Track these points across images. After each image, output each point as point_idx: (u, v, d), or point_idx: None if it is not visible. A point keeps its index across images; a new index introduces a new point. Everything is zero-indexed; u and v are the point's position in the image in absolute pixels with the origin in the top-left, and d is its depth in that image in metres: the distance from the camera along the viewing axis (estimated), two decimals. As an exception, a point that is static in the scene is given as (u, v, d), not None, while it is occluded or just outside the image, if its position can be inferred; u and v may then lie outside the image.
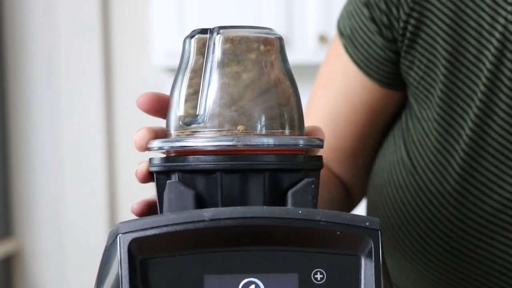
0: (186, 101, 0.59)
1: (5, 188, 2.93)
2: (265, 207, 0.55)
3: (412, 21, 0.82)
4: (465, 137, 0.82)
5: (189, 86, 0.59)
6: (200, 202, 0.57)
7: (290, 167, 0.58)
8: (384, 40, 0.85)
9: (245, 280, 0.54)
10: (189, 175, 0.57)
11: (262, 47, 0.59)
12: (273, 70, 0.59)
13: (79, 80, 2.95)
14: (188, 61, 0.60)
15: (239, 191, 0.57)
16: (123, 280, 0.53)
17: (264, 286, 0.54)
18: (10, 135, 2.96)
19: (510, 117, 0.80)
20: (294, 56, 2.55)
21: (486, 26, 0.80)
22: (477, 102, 0.81)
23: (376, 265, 0.54)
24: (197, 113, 0.59)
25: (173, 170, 0.58)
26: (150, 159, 0.61)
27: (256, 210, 0.54)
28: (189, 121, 0.59)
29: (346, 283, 0.54)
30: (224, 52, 0.59)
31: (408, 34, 0.83)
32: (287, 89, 0.60)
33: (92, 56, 2.95)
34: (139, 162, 0.62)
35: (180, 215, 0.54)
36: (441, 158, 0.83)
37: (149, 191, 0.64)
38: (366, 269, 0.54)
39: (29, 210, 2.96)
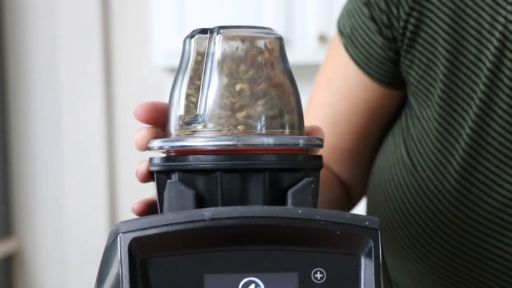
0: (186, 100, 0.59)
1: (6, 187, 2.94)
2: (265, 206, 0.55)
3: (412, 20, 0.82)
4: (465, 136, 0.82)
5: (189, 86, 0.59)
6: (200, 202, 0.57)
7: (290, 166, 0.58)
8: (384, 39, 0.85)
9: (245, 280, 0.54)
10: (189, 175, 0.57)
11: (262, 47, 0.59)
12: (273, 70, 0.59)
13: (80, 80, 2.95)
14: (188, 61, 0.60)
15: (239, 191, 0.57)
16: (124, 280, 0.53)
17: (264, 286, 0.54)
18: (11, 135, 2.96)
19: (510, 116, 0.80)
20: (294, 56, 2.55)
21: (486, 26, 0.80)
22: (477, 101, 0.81)
23: (376, 265, 0.54)
24: (197, 113, 0.59)
25: (173, 170, 0.58)
26: (150, 159, 0.61)
27: (256, 210, 0.54)
28: (189, 121, 0.59)
29: (346, 283, 0.55)
30: (224, 52, 0.59)
31: (408, 34, 0.83)
32: (287, 89, 0.60)
33: (92, 56, 2.95)
34: (139, 161, 0.62)
35: (180, 214, 0.54)
36: (441, 157, 0.83)
37: (150, 190, 0.64)
38: (366, 269, 0.54)
39: (29, 210, 2.96)
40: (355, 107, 0.90)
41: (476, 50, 0.81)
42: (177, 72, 0.61)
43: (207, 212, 0.53)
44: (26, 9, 2.94)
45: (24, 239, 2.97)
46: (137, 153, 0.72)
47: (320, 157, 0.61)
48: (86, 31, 2.94)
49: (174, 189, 0.57)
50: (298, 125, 0.60)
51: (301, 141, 0.59)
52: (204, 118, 0.58)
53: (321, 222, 0.54)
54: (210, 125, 0.58)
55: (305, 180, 0.58)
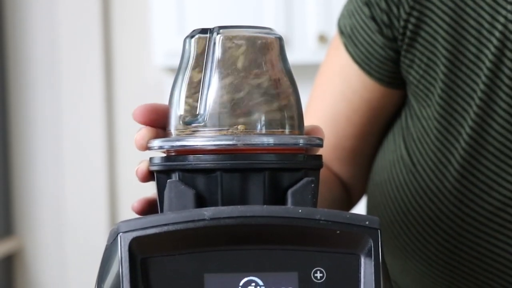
0: (186, 100, 0.59)
1: (6, 187, 2.94)
2: (265, 206, 0.55)
3: (413, 20, 0.82)
4: (465, 136, 0.82)
5: (190, 85, 0.60)
6: (200, 201, 0.57)
7: (290, 166, 0.58)
8: (385, 39, 0.85)
9: (245, 279, 0.54)
10: (189, 174, 0.58)
11: (262, 47, 0.60)
12: (273, 70, 0.60)
13: (80, 80, 2.95)
14: (188, 61, 0.60)
15: (239, 190, 0.57)
16: (124, 279, 0.53)
17: (264, 285, 0.54)
18: (11, 134, 2.96)
19: (510, 115, 0.81)
20: (294, 56, 2.55)
21: (486, 25, 0.80)
22: (477, 101, 0.81)
23: (375, 264, 0.54)
24: (197, 113, 0.59)
25: (174, 169, 0.58)
26: (151, 158, 0.61)
27: (256, 209, 0.54)
28: (190, 121, 0.59)
29: (345, 282, 0.55)
30: (224, 52, 0.59)
31: (408, 33, 0.83)
32: (287, 89, 0.60)
33: (92, 56, 2.95)
34: (140, 161, 0.62)
35: (181, 214, 0.54)
36: (441, 156, 0.83)
37: (150, 190, 0.65)
38: (366, 268, 0.55)
39: (30, 209, 2.96)
40: (356, 106, 0.90)
41: (476, 50, 0.81)
42: (177, 72, 0.61)
43: (207, 212, 0.54)
44: (26, 9, 2.94)
45: (24, 238, 2.97)
46: (137, 153, 0.72)
47: (320, 156, 0.61)
48: (87, 31, 2.94)
49: (174, 189, 0.57)
50: (298, 124, 0.60)
51: (301, 141, 0.59)
52: (204, 118, 0.58)
53: (321, 221, 0.54)
54: (210, 125, 0.58)
55: (305, 179, 0.58)
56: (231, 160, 0.57)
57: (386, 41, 0.85)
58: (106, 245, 0.55)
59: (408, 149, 0.86)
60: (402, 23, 0.83)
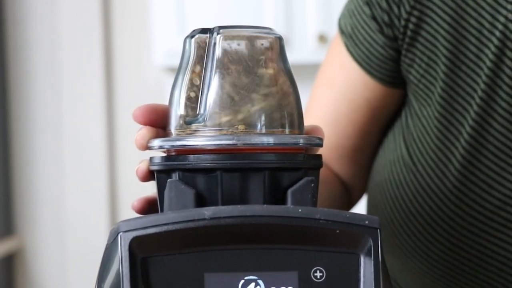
0: (186, 100, 0.59)
1: (7, 186, 2.94)
2: (265, 205, 0.55)
3: (413, 19, 0.83)
4: (465, 135, 0.82)
5: (190, 85, 0.60)
6: (201, 201, 0.57)
7: (290, 165, 0.58)
8: (385, 38, 0.85)
9: (245, 278, 0.54)
10: (189, 174, 0.58)
11: (262, 47, 0.60)
12: (273, 70, 0.60)
13: (80, 79, 2.95)
14: (188, 61, 0.60)
15: (239, 190, 0.57)
16: (124, 278, 0.53)
17: (264, 284, 0.54)
18: (12, 134, 2.96)
19: (510, 115, 0.81)
20: (293, 56, 2.55)
21: (487, 25, 0.80)
22: (477, 100, 0.81)
23: (375, 264, 0.54)
24: (197, 112, 0.59)
25: (174, 169, 0.58)
26: (151, 158, 0.61)
27: (256, 209, 0.54)
28: (190, 120, 0.59)
29: (345, 281, 0.55)
30: (224, 52, 0.59)
31: (409, 33, 0.83)
32: (287, 89, 0.60)
33: (93, 56, 2.95)
34: (140, 161, 0.62)
35: (181, 213, 0.54)
36: (441, 155, 0.83)
37: (150, 189, 0.65)
38: (366, 267, 0.55)
39: (30, 209, 2.96)
40: (356, 106, 0.90)
41: (477, 49, 0.81)
42: (178, 71, 0.61)
43: (207, 211, 0.54)
44: (27, 9, 2.94)
45: (25, 238, 2.97)
46: (137, 153, 0.72)
47: (319, 156, 0.61)
48: (87, 31, 2.94)
49: (175, 188, 0.57)
50: (298, 124, 0.60)
51: (301, 141, 0.59)
52: (204, 117, 0.58)
53: (321, 221, 0.54)
54: (210, 125, 0.58)
55: (305, 179, 0.58)
56: (231, 160, 0.57)
57: (386, 40, 0.85)
58: (106, 245, 0.55)
59: (408, 148, 0.86)
60: (402, 22, 0.83)
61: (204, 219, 0.53)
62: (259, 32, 0.60)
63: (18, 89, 2.95)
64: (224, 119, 0.58)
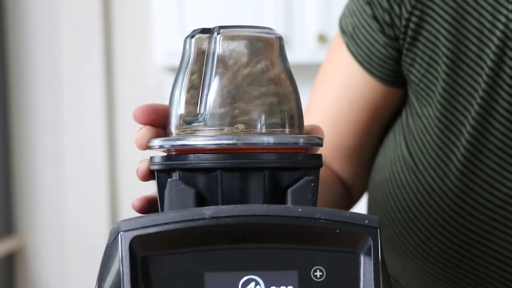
0: (186, 100, 0.59)
1: (7, 186, 2.94)
2: (265, 205, 0.55)
3: (414, 19, 0.83)
4: (466, 134, 0.82)
5: (190, 85, 0.60)
6: (201, 200, 0.57)
7: (290, 165, 0.58)
8: (386, 38, 0.85)
9: (245, 278, 0.54)
10: (189, 173, 0.58)
11: (262, 47, 0.60)
12: (273, 70, 0.60)
13: (81, 79, 2.95)
14: (188, 61, 0.60)
15: (239, 189, 0.57)
16: (124, 278, 0.53)
17: (264, 284, 0.54)
18: (12, 134, 2.96)
19: (511, 114, 0.81)
20: (293, 56, 2.55)
21: (487, 25, 0.80)
22: (478, 100, 0.81)
23: (375, 263, 0.54)
24: (197, 112, 0.59)
25: (174, 169, 0.58)
26: (151, 158, 0.61)
27: (256, 208, 0.54)
28: (190, 120, 0.59)
29: (345, 281, 0.55)
30: (224, 52, 0.59)
31: (410, 32, 0.83)
32: (287, 88, 0.60)
33: (93, 55, 2.95)
34: (140, 160, 0.62)
35: (181, 213, 0.54)
36: (442, 155, 0.84)
37: (150, 189, 0.65)
38: (365, 267, 0.55)
39: (31, 208, 2.97)
40: (357, 105, 0.90)
41: (478, 49, 0.81)
42: (178, 71, 0.61)
43: (208, 211, 0.54)
44: (27, 9, 2.94)
45: (25, 237, 2.97)
46: (137, 152, 0.72)
47: (319, 156, 0.61)
48: (87, 31, 2.94)
49: (175, 188, 0.57)
50: (298, 124, 0.60)
51: (300, 140, 0.59)
52: (205, 117, 0.58)
53: (321, 220, 0.54)
54: (210, 124, 0.58)
55: (305, 178, 0.58)
56: (231, 159, 0.57)
57: (387, 40, 0.85)
58: (107, 244, 0.55)
59: (409, 147, 0.86)
60: (403, 22, 0.83)
61: (204, 218, 0.53)
62: (259, 32, 0.60)
63: (18, 88, 2.95)
64: (224, 118, 0.58)
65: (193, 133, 0.59)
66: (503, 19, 0.80)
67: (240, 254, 0.54)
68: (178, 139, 0.58)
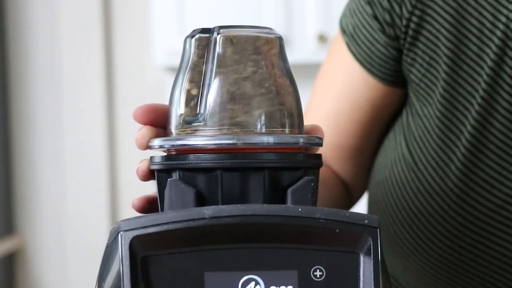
0: (186, 100, 0.59)
1: (8, 185, 2.94)
2: (265, 205, 0.55)
3: (415, 19, 0.83)
4: (466, 134, 0.82)
5: (190, 85, 0.60)
6: (201, 200, 0.57)
7: (290, 165, 0.58)
8: (387, 37, 0.85)
9: (245, 277, 0.54)
10: (189, 173, 0.58)
11: (262, 47, 0.60)
12: (273, 70, 0.60)
13: (81, 79, 2.95)
14: (188, 61, 0.60)
15: (239, 189, 0.57)
16: (124, 277, 0.53)
17: (264, 283, 0.54)
18: (12, 133, 2.96)
19: (511, 114, 0.81)
20: (293, 56, 2.55)
21: (488, 25, 0.81)
22: (479, 100, 0.81)
23: (374, 263, 0.54)
24: (197, 112, 0.59)
25: (174, 168, 0.58)
26: (151, 158, 0.61)
27: (256, 208, 0.54)
28: (190, 120, 0.59)
29: (345, 280, 0.55)
30: (224, 52, 0.59)
31: (410, 32, 0.83)
32: (287, 88, 0.60)
33: (93, 55, 2.95)
34: (140, 160, 0.62)
35: (181, 213, 0.54)
36: (442, 154, 0.84)
37: (150, 189, 0.65)
38: (365, 267, 0.55)
39: (31, 208, 2.97)
40: (357, 105, 0.90)
41: (478, 49, 0.81)
42: (178, 71, 0.61)
43: (208, 211, 0.54)
44: (27, 9, 2.94)
45: (26, 237, 2.97)
46: (138, 152, 0.72)
47: (319, 155, 0.61)
48: (87, 31, 2.95)
49: (175, 188, 0.57)
50: (297, 124, 0.60)
51: (300, 140, 0.59)
52: (205, 117, 0.59)
53: (321, 220, 0.54)
54: (210, 124, 0.58)
55: (305, 178, 0.58)
56: (231, 159, 0.57)
57: (388, 40, 0.85)
58: (107, 244, 0.55)
59: (409, 147, 0.87)
60: (404, 22, 0.83)
61: (204, 218, 0.53)
62: (259, 32, 0.60)
63: (18, 88, 2.95)
64: (224, 118, 0.58)
65: (193, 133, 0.59)
66: (503, 19, 0.80)
67: (240, 254, 0.54)
68: (178, 139, 0.58)
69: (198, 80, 0.59)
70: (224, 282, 0.54)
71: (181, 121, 0.59)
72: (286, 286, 0.54)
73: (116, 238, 0.54)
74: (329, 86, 0.92)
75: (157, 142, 0.59)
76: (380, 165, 0.91)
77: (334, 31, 2.32)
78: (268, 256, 0.54)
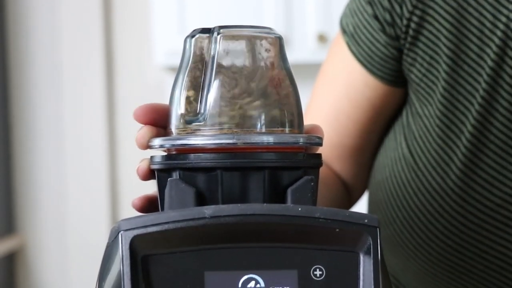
0: (187, 99, 0.60)
1: (8, 185, 2.94)
2: (265, 204, 0.55)
3: (415, 18, 0.83)
4: (467, 134, 0.82)
5: (190, 85, 0.60)
6: (201, 200, 0.57)
7: (290, 165, 0.58)
8: (387, 37, 0.85)
9: (245, 277, 0.54)
10: (189, 173, 0.58)
11: (262, 47, 0.60)
12: (273, 69, 0.60)
13: (81, 79, 2.95)
14: (189, 60, 0.61)
15: (239, 189, 0.57)
16: (125, 277, 0.53)
17: (264, 283, 0.54)
18: (13, 133, 2.96)
19: (511, 114, 0.81)
20: (293, 56, 2.55)
21: (488, 25, 0.81)
22: (479, 99, 0.81)
23: (374, 262, 0.54)
24: (197, 112, 0.59)
25: (174, 168, 0.58)
26: (151, 157, 0.61)
27: (256, 208, 0.54)
28: (190, 120, 0.59)
29: (345, 280, 0.55)
30: (224, 52, 0.59)
31: (410, 32, 0.83)
32: (287, 88, 0.60)
33: (94, 55, 2.95)
34: (141, 160, 0.62)
35: (181, 212, 0.54)
36: (443, 154, 0.84)
37: (150, 188, 0.65)
38: (365, 266, 0.55)
39: (32, 207, 2.97)
40: (358, 105, 0.90)
41: (478, 49, 0.81)
42: (178, 71, 0.61)
43: (208, 210, 0.54)
44: (27, 9, 2.94)
45: (26, 236, 2.97)
46: (138, 152, 0.72)
47: (319, 155, 0.62)
48: (88, 31, 2.95)
49: (175, 187, 0.57)
50: (297, 123, 0.60)
51: (300, 140, 0.59)
52: (205, 117, 0.59)
53: (320, 219, 0.54)
54: (210, 124, 0.58)
55: (305, 178, 0.58)
56: (231, 159, 0.57)
57: (388, 39, 0.85)
58: (107, 243, 0.55)
59: (409, 147, 0.87)
60: (404, 21, 0.83)
61: (204, 217, 0.54)
62: (259, 32, 0.60)
63: (19, 88, 2.95)
64: (224, 118, 0.58)
65: (193, 132, 0.59)
66: (504, 19, 0.80)
67: (240, 253, 0.54)
68: (179, 139, 0.58)
69: (198, 80, 0.60)
70: (224, 281, 0.54)
71: (181, 121, 0.59)
72: (286, 286, 0.54)
73: (116, 237, 0.54)
74: (330, 86, 0.92)
75: (157, 141, 0.60)
76: (380, 164, 0.91)
77: (334, 31, 2.32)
78: (268, 255, 0.54)
